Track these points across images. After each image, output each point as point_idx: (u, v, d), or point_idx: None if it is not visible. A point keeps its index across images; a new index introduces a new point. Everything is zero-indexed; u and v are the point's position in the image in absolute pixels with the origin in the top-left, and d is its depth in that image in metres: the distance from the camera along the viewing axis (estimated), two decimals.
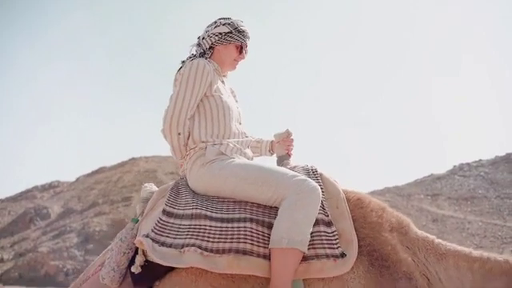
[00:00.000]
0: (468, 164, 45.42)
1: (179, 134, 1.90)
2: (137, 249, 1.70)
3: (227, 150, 1.89)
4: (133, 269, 1.66)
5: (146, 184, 2.05)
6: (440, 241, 1.81)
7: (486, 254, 1.79)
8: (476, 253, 1.79)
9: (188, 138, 1.93)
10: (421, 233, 1.82)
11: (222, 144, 1.90)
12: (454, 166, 46.17)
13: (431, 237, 1.81)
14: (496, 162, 44.11)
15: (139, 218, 1.84)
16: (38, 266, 26.42)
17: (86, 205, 35.26)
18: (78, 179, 43.63)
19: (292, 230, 1.61)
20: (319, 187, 1.74)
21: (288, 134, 2.15)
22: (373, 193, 32.10)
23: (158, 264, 1.64)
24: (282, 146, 2.13)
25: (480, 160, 45.97)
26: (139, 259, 1.67)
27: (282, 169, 1.87)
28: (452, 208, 34.80)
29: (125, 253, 1.72)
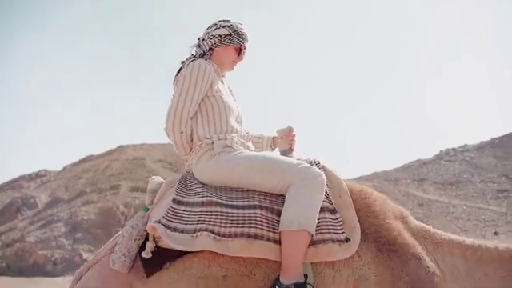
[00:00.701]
0: (454, 149, 45.93)
1: (182, 132, 1.97)
2: (147, 236, 1.77)
3: (233, 143, 1.98)
4: (143, 254, 1.73)
5: (153, 176, 2.10)
6: (435, 230, 1.93)
7: (477, 241, 1.90)
8: (468, 241, 1.91)
9: (191, 136, 2.00)
10: (419, 223, 1.95)
11: (226, 138, 1.99)
12: (441, 151, 46.68)
13: (427, 227, 1.94)
14: (481, 147, 44.65)
15: (149, 207, 1.90)
16: (26, 255, 26.34)
17: (73, 194, 35.03)
18: (65, 168, 43.28)
19: (300, 214, 1.70)
20: (323, 174, 1.84)
21: (290, 129, 2.25)
22: (360, 178, 32.43)
23: (168, 250, 1.71)
24: (285, 141, 2.23)
25: (466, 145, 46.50)
26: (150, 245, 1.74)
27: (287, 158, 1.97)
28: (437, 192, 35.24)
29: (136, 239, 1.78)
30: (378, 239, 1.78)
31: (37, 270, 25.12)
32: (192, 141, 2.01)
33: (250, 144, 2.11)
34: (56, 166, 45.18)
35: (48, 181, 40.50)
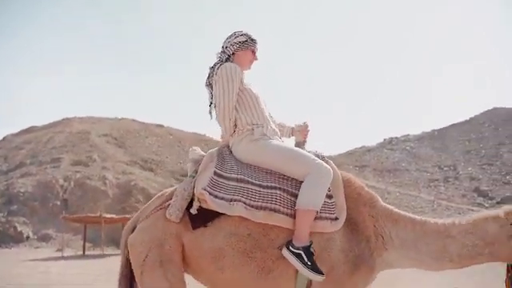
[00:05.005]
0: (397, 138, 47.84)
1: (230, 119, 2.52)
2: (193, 197, 2.36)
3: (268, 132, 2.53)
4: (191, 210, 2.33)
5: (193, 147, 2.68)
6: (396, 210, 2.51)
7: (424, 218, 2.49)
8: (418, 218, 2.48)
9: (235, 122, 2.55)
10: (384, 205, 2.52)
11: (263, 127, 2.54)
12: (384, 140, 48.47)
13: (391, 207, 2.52)
14: (422, 138, 46.69)
15: (194, 175, 2.45)
16: None
17: (12, 165, 33.75)
18: (5, 138, 41.41)
19: (315, 198, 2.30)
20: (331, 170, 2.40)
21: (306, 125, 2.78)
22: None
23: (208, 210, 2.31)
24: (301, 134, 2.77)
25: (408, 135, 48.51)
26: (196, 204, 2.33)
27: (307, 153, 2.49)
28: (376, 179, 36.68)
29: (186, 199, 2.35)
30: (350, 219, 2.39)
31: None
32: (236, 126, 2.55)
33: (277, 130, 2.66)
34: None
35: None
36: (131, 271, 2.46)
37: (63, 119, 44.38)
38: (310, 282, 2.31)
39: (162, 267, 2.29)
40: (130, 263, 2.44)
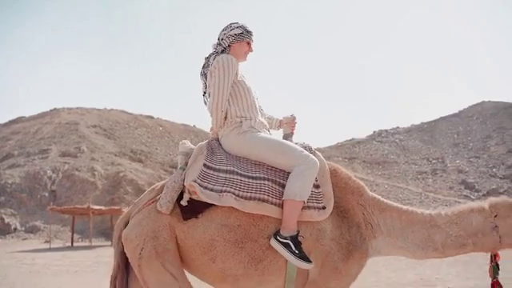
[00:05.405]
0: (386, 131, 48.15)
1: (222, 111, 2.54)
2: (183, 189, 2.40)
3: (256, 125, 2.57)
4: (182, 202, 2.37)
5: (183, 141, 2.73)
6: (384, 200, 2.60)
7: (411, 208, 2.57)
8: (405, 207, 2.56)
9: (226, 114, 2.57)
10: (372, 194, 2.61)
11: (251, 119, 2.58)
12: (374, 132, 48.76)
13: (378, 197, 2.61)
14: (411, 130, 47.06)
15: (184, 167, 2.49)
16: None
17: None
18: None
19: (302, 189, 2.35)
20: (318, 162, 2.46)
21: (293, 117, 2.85)
22: None
23: (199, 202, 2.34)
24: (289, 126, 2.82)
25: (397, 127, 48.84)
26: (186, 196, 2.37)
27: (294, 144, 2.57)
28: (365, 171, 37.00)
29: (177, 191, 2.38)
30: (338, 207, 2.46)
31: None
32: (225, 118, 2.56)
33: (266, 123, 2.71)
34: None
35: None
36: (126, 266, 2.49)
37: (52, 110, 43.97)
38: (304, 271, 2.35)
39: (158, 258, 2.31)
40: (126, 257, 2.46)
